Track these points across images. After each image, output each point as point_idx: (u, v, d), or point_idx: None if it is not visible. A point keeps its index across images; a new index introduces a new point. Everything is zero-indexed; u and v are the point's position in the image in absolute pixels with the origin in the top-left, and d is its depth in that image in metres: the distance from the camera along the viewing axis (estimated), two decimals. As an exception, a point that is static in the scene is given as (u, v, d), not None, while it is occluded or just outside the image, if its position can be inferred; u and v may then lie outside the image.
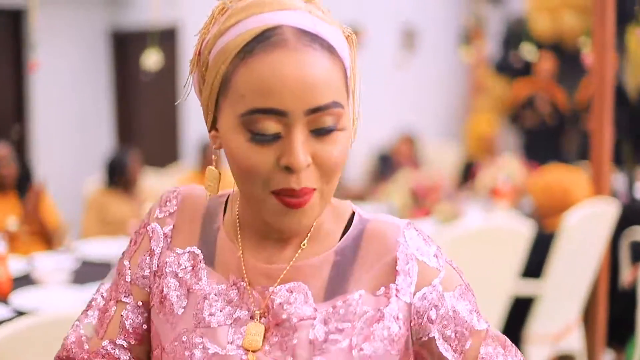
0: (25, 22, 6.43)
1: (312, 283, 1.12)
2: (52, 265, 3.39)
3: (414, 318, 1.12)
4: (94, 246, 4.13)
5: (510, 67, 8.83)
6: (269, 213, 1.07)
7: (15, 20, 6.85)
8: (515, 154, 8.11)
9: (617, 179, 5.28)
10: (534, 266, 3.82)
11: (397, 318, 1.11)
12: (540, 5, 8.51)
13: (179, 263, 1.19)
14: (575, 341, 4.00)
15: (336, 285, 1.12)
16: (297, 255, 1.14)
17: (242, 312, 1.13)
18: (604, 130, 4.08)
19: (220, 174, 1.16)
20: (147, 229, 1.24)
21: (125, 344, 1.22)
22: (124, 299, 1.22)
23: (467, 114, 9.77)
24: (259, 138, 1.02)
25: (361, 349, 1.09)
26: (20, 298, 3.05)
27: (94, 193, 5.36)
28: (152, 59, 5.29)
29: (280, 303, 1.11)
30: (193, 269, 1.18)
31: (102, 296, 1.26)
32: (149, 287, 1.21)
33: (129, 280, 1.23)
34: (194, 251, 1.19)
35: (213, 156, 1.16)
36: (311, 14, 1.05)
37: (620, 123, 4.68)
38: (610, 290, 4.35)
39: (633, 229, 4.51)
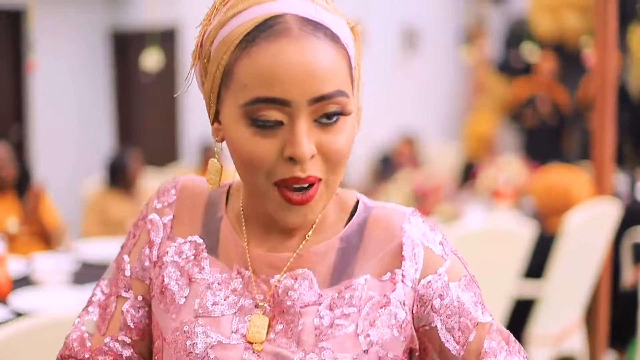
0: (25, 22, 6.42)
1: (317, 269, 1.11)
2: (51, 266, 3.38)
3: (417, 305, 1.10)
4: (94, 246, 4.11)
5: (511, 67, 8.83)
6: (273, 207, 1.05)
7: (14, 21, 6.83)
8: (515, 154, 8.11)
9: (619, 180, 5.27)
10: (536, 267, 3.81)
11: (404, 304, 1.10)
12: (542, 5, 8.50)
13: (180, 252, 1.17)
14: (577, 342, 3.99)
15: (341, 270, 1.11)
16: (302, 245, 1.12)
17: (247, 300, 1.11)
18: (605, 130, 4.07)
19: (222, 166, 1.15)
20: (146, 220, 1.22)
21: (127, 340, 1.20)
22: (124, 294, 1.20)
23: (468, 113, 9.76)
24: (262, 127, 1.01)
25: (367, 335, 1.07)
26: (20, 299, 3.04)
27: (95, 193, 5.36)
28: (152, 60, 5.28)
29: (284, 290, 1.10)
30: (195, 258, 1.16)
31: (102, 292, 1.24)
32: (150, 278, 1.19)
33: (129, 274, 1.20)
34: (195, 240, 1.17)
35: (215, 148, 1.14)
36: (314, 3, 1.04)
37: (622, 124, 4.67)
38: (612, 292, 4.34)
39: (635, 230, 4.50)
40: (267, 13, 1.01)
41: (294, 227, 1.10)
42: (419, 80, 9.56)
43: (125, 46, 7.51)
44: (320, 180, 1.03)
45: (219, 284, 1.13)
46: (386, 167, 7.64)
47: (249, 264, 1.13)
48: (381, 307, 1.09)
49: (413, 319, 1.11)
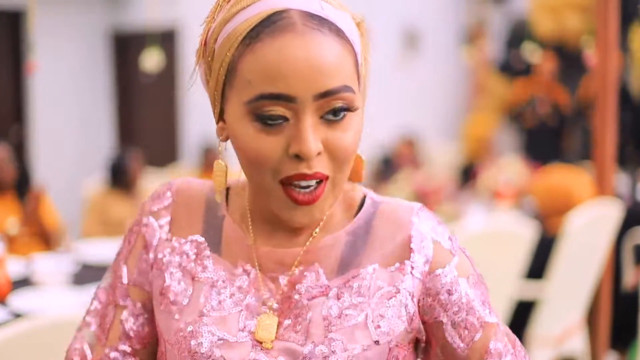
0: (25, 23, 6.41)
1: (325, 262, 1.09)
2: (51, 267, 3.38)
3: (424, 297, 1.09)
4: (94, 247, 4.11)
5: (512, 68, 8.83)
6: (279, 206, 1.04)
7: (14, 22, 6.83)
8: (516, 155, 8.10)
9: (621, 181, 5.26)
10: (537, 268, 3.80)
11: (413, 295, 1.08)
12: (543, 5, 8.49)
13: (181, 252, 1.14)
14: (578, 343, 3.98)
15: (348, 261, 1.10)
16: (308, 242, 1.11)
17: (253, 298, 1.09)
18: (606, 131, 4.06)
19: (227, 166, 1.13)
20: (140, 225, 1.19)
21: (128, 349, 1.18)
22: (122, 302, 1.18)
23: (468, 114, 9.76)
24: (267, 123, 0.99)
25: (378, 326, 1.06)
26: (19, 300, 3.03)
27: (95, 194, 5.35)
28: (152, 60, 5.27)
29: (292, 285, 1.08)
30: (197, 257, 1.14)
31: (100, 300, 1.21)
32: (149, 283, 1.17)
33: (126, 282, 1.18)
34: (197, 239, 1.15)
35: (219, 148, 1.12)
36: None
37: (623, 124, 4.66)
38: (613, 293, 4.34)
39: (636, 231, 4.50)
40: (271, 8, 1.00)
41: (300, 226, 1.09)
42: (419, 80, 9.55)
43: (126, 47, 7.51)
44: (327, 178, 1.02)
45: (223, 281, 1.11)
46: (387, 168, 7.64)
47: (256, 262, 1.11)
48: (391, 298, 1.07)
49: (419, 311, 1.10)
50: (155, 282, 1.15)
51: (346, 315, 1.06)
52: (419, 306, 1.09)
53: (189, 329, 1.09)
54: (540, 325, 3.73)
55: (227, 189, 1.19)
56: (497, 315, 1.13)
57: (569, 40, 8.30)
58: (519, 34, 8.87)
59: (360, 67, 1.06)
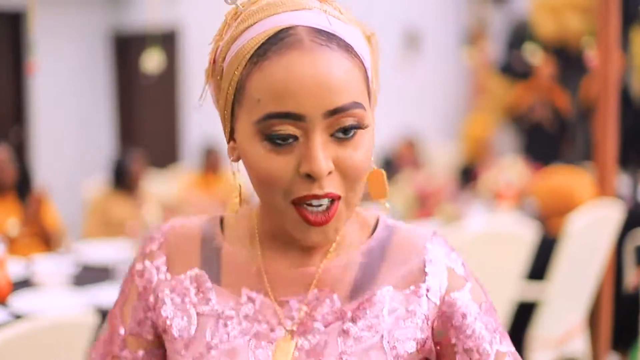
0: (25, 24, 6.42)
1: (339, 286, 1.08)
2: (51, 268, 3.38)
3: (438, 320, 1.09)
4: (94, 248, 4.11)
5: (513, 69, 8.82)
6: (292, 226, 1.02)
7: (14, 23, 6.83)
8: (516, 155, 8.10)
9: (622, 182, 5.26)
10: (538, 269, 3.80)
11: (428, 318, 1.08)
12: (544, 6, 8.49)
13: (182, 289, 1.12)
14: (579, 345, 3.98)
15: (363, 284, 1.08)
16: (322, 263, 1.09)
17: (262, 325, 1.07)
18: (608, 132, 4.06)
19: (240, 185, 1.11)
20: (133, 272, 1.17)
21: None
22: (119, 353, 1.16)
23: (469, 115, 9.76)
24: (276, 142, 0.97)
25: (394, 347, 1.05)
26: (19, 301, 3.03)
27: (97, 196, 5.35)
28: (153, 61, 5.27)
29: (306, 311, 1.07)
30: (198, 290, 1.11)
31: (98, 352, 1.19)
32: (150, 328, 1.15)
33: (123, 332, 1.16)
34: (196, 273, 1.12)
35: (231, 170, 1.10)
36: (327, 13, 1.01)
37: (624, 126, 4.66)
38: (615, 294, 4.33)
39: (637, 233, 4.49)
40: (278, 25, 0.99)
41: (314, 245, 1.06)
42: (420, 81, 9.55)
43: (126, 48, 7.51)
44: (339, 197, 1.00)
45: (229, 312, 1.09)
46: (388, 169, 7.62)
47: (267, 286, 1.09)
48: (406, 319, 1.07)
49: (433, 334, 1.09)
50: (159, 322, 1.13)
51: (361, 337, 1.05)
52: (433, 329, 1.09)
53: None
54: (542, 326, 3.73)
55: (221, 219, 1.17)
56: (509, 344, 1.12)
57: (570, 41, 8.30)
58: (519, 34, 8.87)
59: (371, 82, 1.05)
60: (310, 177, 0.97)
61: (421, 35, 9.64)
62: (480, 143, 8.22)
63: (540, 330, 3.74)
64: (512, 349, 1.12)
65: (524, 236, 3.51)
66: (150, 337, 1.15)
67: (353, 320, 1.06)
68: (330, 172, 0.98)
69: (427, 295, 1.08)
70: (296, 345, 1.06)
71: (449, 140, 9.59)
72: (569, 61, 8.26)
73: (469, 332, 1.09)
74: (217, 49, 1.07)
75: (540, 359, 3.73)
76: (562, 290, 3.74)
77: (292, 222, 1.01)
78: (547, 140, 7.97)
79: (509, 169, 6.44)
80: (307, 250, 1.10)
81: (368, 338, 1.05)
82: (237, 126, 1.03)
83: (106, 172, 5.45)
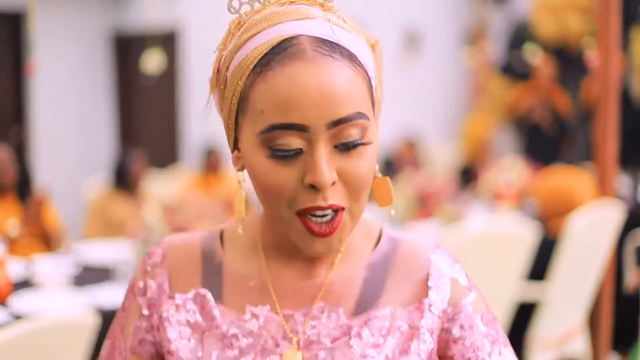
0: (25, 24, 6.42)
1: (344, 300, 1.08)
2: (51, 269, 3.38)
3: (441, 333, 1.09)
4: (94, 249, 4.11)
5: (513, 69, 8.82)
6: (296, 236, 1.01)
7: (14, 23, 6.83)
8: (516, 156, 8.10)
9: (622, 182, 5.26)
10: (538, 270, 3.80)
11: (432, 332, 1.08)
12: (544, 6, 8.48)
13: (186, 308, 1.11)
14: (579, 345, 3.97)
15: (368, 300, 1.08)
16: (328, 276, 1.09)
17: (268, 340, 1.07)
18: (608, 132, 4.05)
19: (245, 195, 1.10)
20: (134, 291, 1.16)
21: None
22: None
23: (469, 115, 9.76)
24: (280, 154, 0.97)
25: None
26: (20, 301, 3.03)
27: (98, 197, 5.35)
28: (153, 62, 5.27)
29: (312, 324, 1.07)
30: (203, 310, 1.10)
31: None
32: (151, 348, 1.13)
33: (124, 352, 1.15)
34: (199, 292, 1.11)
35: (237, 179, 1.09)
36: (330, 22, 1.00)
37: (625, 127, 4.66)
38: (615, 294, 4.33)
39: (638, 233, 4.49)
40: (281, 35, 0.98)
41: (319, 255, 1.06)
42: (420, 81, 9.56)
43: (126, 48, 7.51)
44: (343, 209, 1.00)
45: (233, 331, 1.08)
46: (388, 169, 7.63)
47: (274, 298, 1.09)
48: (410, 337, 1.07)
49: (437, 347, 1.10)
50: (163, 342, 1.12)
51: (367, 355, 1.05)
52: (437, 343, 1.09)
53: None
54: (542, 327, 3.73)
55: (221, 233, 1.17)
56: (510, 355, 1.12)
57: (571, 42, 8.29)
58: (520, 35, 8.87)
59: (375, 90, 1.04)
60: (314, 188, 0.97)
61: (421, 36, 9.64)
62: (480, 143, 8.22)
63: (541, 330, 3.73)
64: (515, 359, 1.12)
65: (524, 236, 3.51)
66: (151, 356, 1.14)
67: (359, 336, 1.06)
68: (334, 183, 0.98)
69: (430, 310, 1.08)
70: (302, 359, 1.05)
71: (449, 141, 9.59)
72: (569, 62, 8.25)
73: (467, 343, 1.09)
74: (220, 58, 1.06)
75: (541, 359, 3.73)
76: (562, 290, 3.74)
77: (296, 233, 1.01)
78: (547, 141, 7.97)
79: (509, 169, 6.43)
80: (312, 261, 1.10)
81: (374, 357, 1.05)
82: (241, 136, 1.02)
83: (106, 172, 5.45)
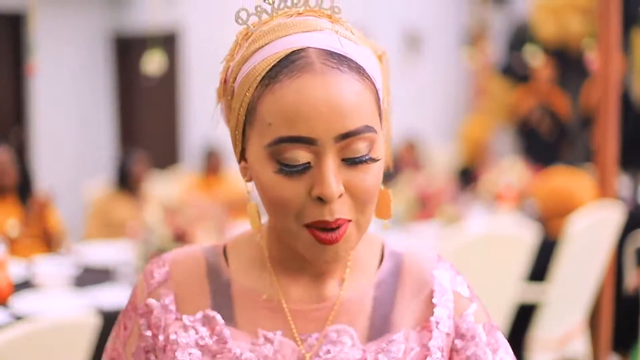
0: (25, 25, 6.42)
1: (356, 321, 1.08)
2: (52, 270, 3.38)
3: (449, 347, 1.10)
4: (95, 250, 4.11)
5: (514, 71, 8.82)
6: (304, 247, 1.01)
7: (15, 24, 6.84)
8: (516, 157, 8.10)
9: (623, 184, 5.26)
10: (539, 271, 3.80)
11: (442, 350, 1.08)
12: (545, 8, 8.48)
13: (195, 331, 1.08)
14: (579, 346, 3.98)
15: (379, 323, 1.08)
16: (340, 293, 1.09)
17: None
18: (608, 134, 4.05)
19: (257, 206, 1.08)
20: (136, 310, 1.13)
21: None
22: None
23: (468, 116, 9.77)
24: (288, 169, 0.97)
25: None
26: (20, 302, 3.03)
27: (100, 197, 5.36)
28: (153, 63, 5.27)
29: (327, 350, 1.06)
30: (213, 332, 1.07)
31: None
32: None
33: None
34: (208, 314, 1.08)
35: (246, 189, 1.09)
36: (338, 34, 1.00)
37: (625, 129, 4.66)
38: (615, 295, 4.33)
39: (638, 234, 4.50)
40: (289, 47, 0.98)
41: (327, 265, 1.06)
42: (421, 83, 9.56)
43: (127, 49, 7.52)
44: (349, 221, 1.00)
45: (247, 355, 1.06)
46: (388, 171, 7.64)
47: (290, 321, 1.07)
48: (423, 358, 1.07)
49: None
50: None
51: None
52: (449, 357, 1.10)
53: None
54: (542, 327, 3.73)
55: (224, 248, 1.15)
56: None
57: (571, 43, 8.29)
58: (520, 36, 8.87)
59: (382, 102, 1.04)
60: (322, 200, 0.97)
61: (422, 37, 9.65)
62: (478, 144, 8.22)
63: (541, 331, 3.74)
64: None
65: (525, 238, 3.51)
66: None
67: None
68: (340, 195, 0.98)
69: (437, 328, 1.09)
70: None
71: (449, 142, 9.60)
72: (569, 63, 8.25)
73: (469, 352, 1.10)
74: (228, 68, 1.06)
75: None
76: (562, 291, 3.74)
77: (304, 244, 1.00)
78: (547, 143, 7.97)
79: (509, 170, 6.44)
80: (321, 278, 1.09)
81: None
82: (249, 147, 1.02)
83: (107, 173, 5.46)
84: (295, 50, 0.98)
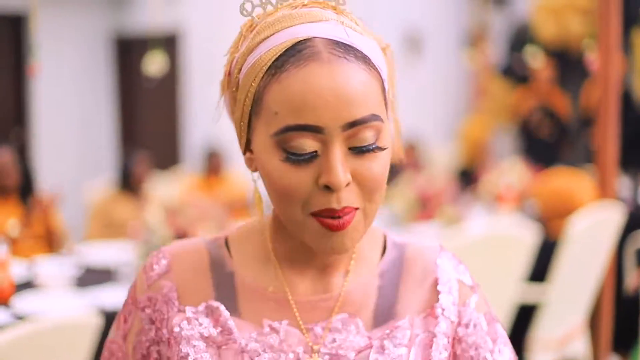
0: (27, 26, 6.43)
1: (361, 310, 1.08)
2: (53, 270, 3.38)
3: (452, 334, 1.11)
4: (96, 250, 4.12)
5: (514, 72, 8.82)
6: (311, 236, 1.00)
7: (16, 25, 6.84)
8: (516, 158, 8.10)
9: (623, 184, 5.26)
10: (539, 271, 3.80)
11: (449, 336, 1.09)
12: (545, 8, 8.48)
13: (198, 322, 1.07)
14: (580, 347, 3.98)
15: (384, 310, 1.09)
16: (344, 287, 1.08)
17: (289, 355, 1.05)
18: (609, 134, 4.06)
19: (260, 195, 1.08)
20: (137, 304, 1.12)
21: None
22: None
23: (467, 117, 9.77)
24: (295, 158, 0.97)
25: None
26: (22, 302, 3.04)
27: (102, 197, 5.37)
28: (154, 64, 5.28)
29: (333, 338, 1.06)
30: (217, 323, 1.06)
31: None
32: (157, 357, 1.10)
33: None
34: (211, 305, 1.07)
35: (252, 179, 1.08)
36: (344, 25, 1.01)
37: (626, 130, 4.66)
38: (615, 296, 4.34)
39: (638, 235, 4.50)
40: (295, 37, 0.99)
41: (333, 255, 1.05)
42: (421, 84, 9.56)
43: (128, 50, 7.52)
44: (356, 209, 0.99)
45: (253, 345, 1.05)
46: (390, 172, 7.63)
47: (295, 312, 1.07)
48: (430, 344, 1.07)
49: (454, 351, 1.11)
50: (173, 357, 1.07)
51: None
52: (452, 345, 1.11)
53: None
54: (542, 328, 3.73)
55: (226, 239, 1.14)
56: (510, 354, 1.14)
57: (571, 44, 8.29)
58: (520, 37, 8.87)
59: (387, 93, 1.05)
60: (329, 189, 0.97)
61: (422, 38, 9.65)
62: (479, 145, 8.22)
63: (541, 331, 3.74)
64: (513, 358, 1.13)
65: (525, 238, 3.52)
66: None
67: (382, 348, 1.05)
68: (348, 184, 0.98)
69: (443, 314, 1.09)
70: None
71: (449, 143, 9.60)
72: (569, 64, 8.26)
73: (470, 341, 1.11)
74: (232, 60, 1.06)
75: (541, 360, 3.74)
76: (562, 292, 3.74)
77: (311, 233, 1.00)
78: (548, 143, 7.97)
79: (510, 171, 6.44)
80: (326, 270, 1.09)
81: None
82: (255, 138, 1.02)
83: (108, 174, 5.46)
84: (301, 40, 0.98)
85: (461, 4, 10.10)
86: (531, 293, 3.75)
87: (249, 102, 1.01)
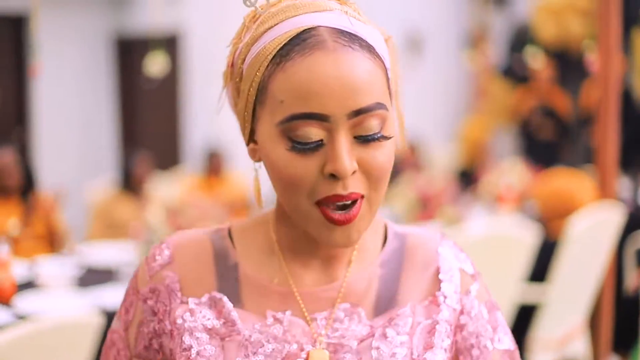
0: (28, 27, 6.43)
1: (363, 300, 1.08)
2: (55, 270, 3.39)
3: (454, 322, 1.11)
4: (98, 250, 4.12)
5: (515, 72, 8.82)
6: (315, 227, 1.00)
7: (17, 26, 6.85)
8: (516, 158, 8.11)
9: (623, 185, 5.26)
10: (539, 271, 3.81)
11: (451, 324, 1.10)
12: (546, 9, 8.49)
13: (201, 313, 1.06)
14: (580, 347, 3.98)
15: (386, 299, 1.09)
16: (346, 277, 1.08)
17: (292, 345, 1.04)
18: (609, 135, 4.06)
19: (260, 185, 1.08)
20: (138, 294, 1.11)
21: None
22: None
23: (467, 118, 9.77)
24: (301, 147, 0.97)
25: (424, 359, 1.06)
26: (23, 302, 3.04)
27: (103, 197, 5.37)
28: (156, 65, 5.29)
29: (336, 327, 1.06)
30: (220, 315, 1.06)
31: None
32: (159, 348, 1.09)
33: (129, 354, 1.12)
34: (215, 296, 1.07)
35: (253, 169, 1.08)
36: (348, 15, 1.01)
37: (626, 130, 4.66)
38: (615, 296, 4.34)
39: (638, 236, 4.50)
40: (300, 26, 0.99)
41: (338, 247, 1.04)
42: (422, 84, 9.56)
43: (129, 51, 7.52)
44: (362, 197, 1.00)
45: (256, 336, 1.04)
46: (391, 173, 7.63)
47: (300, 303, 1.07)
48: (432, 331, 1.08)
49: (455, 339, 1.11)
50: (176, 349, 1.07)
51: (395, 353, 1.05)
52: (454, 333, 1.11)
53: None
54: (543, 328, 3.74)
55: (229, 230, 1.13)
56: (510, 342, 1.14)
57: (572, 45, 8.30)
58: (521, 38, 8.88)
59: (391, 82, 1.05)
60: (335, 177, 0.97)
61: (423, 38, 9.66)
62: (479, 146, 8.22)
63: (541, 332, 3.74)
64: (512, 346, 1.14)
65: (525, 239, 3.52)
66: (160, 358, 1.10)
67: (384, 336, 1.05)
68: (354, 172, 0.98)
69: (445, 302, 1.10)
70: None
71: (449, 143, 9.60)
72: (569, 64, 8.26)
73: (471, 329, 1.11)
74: (235, 51, 1.06)
75: (541, 360, 3.74)
76: (562, 292, 3.75)
77: (315, 224, 1.00)
78: (548, 144, 7.98)
79: (510, 171, 6.45)
80: (330, 261, 1.09)
81: (400, 354, 1.05)
82: (259, 127, 1.02)
83: (109, 174, 5.47)
84: (306, 29, 0.99)
85: (461, 4, 10.10)
86: (531, 293, 3.76)
87: (253, 92, 1.01)
